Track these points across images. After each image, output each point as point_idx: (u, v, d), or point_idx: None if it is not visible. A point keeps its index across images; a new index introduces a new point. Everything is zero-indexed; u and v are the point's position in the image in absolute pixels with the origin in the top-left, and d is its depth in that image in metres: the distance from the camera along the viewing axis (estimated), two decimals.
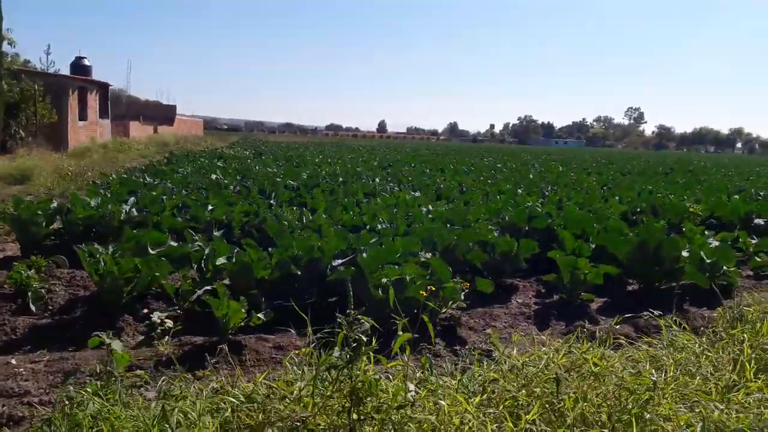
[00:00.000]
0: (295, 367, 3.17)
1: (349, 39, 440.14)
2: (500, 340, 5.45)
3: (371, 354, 2.94)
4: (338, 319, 2.80)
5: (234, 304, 4.62)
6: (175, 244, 6.07)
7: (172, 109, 63.67)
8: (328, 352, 2.71)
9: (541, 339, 4.02)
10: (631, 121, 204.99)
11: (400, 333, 2.95)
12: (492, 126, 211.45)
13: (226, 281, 5.59)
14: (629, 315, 6.12)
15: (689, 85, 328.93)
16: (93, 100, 29.24)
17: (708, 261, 7.29)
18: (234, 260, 5.43)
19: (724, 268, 7.42)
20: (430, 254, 6.89)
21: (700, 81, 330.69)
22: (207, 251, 5.82)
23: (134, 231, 5.92)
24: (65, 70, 30.88)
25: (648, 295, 6.95)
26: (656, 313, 6.01)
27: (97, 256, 5.09)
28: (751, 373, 3.53)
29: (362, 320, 2.65)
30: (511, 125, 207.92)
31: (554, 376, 2.76)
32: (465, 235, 6.93)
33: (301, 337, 5.17)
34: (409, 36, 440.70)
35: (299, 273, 5.58)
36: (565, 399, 2.57)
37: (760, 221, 10.78)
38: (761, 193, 14.26)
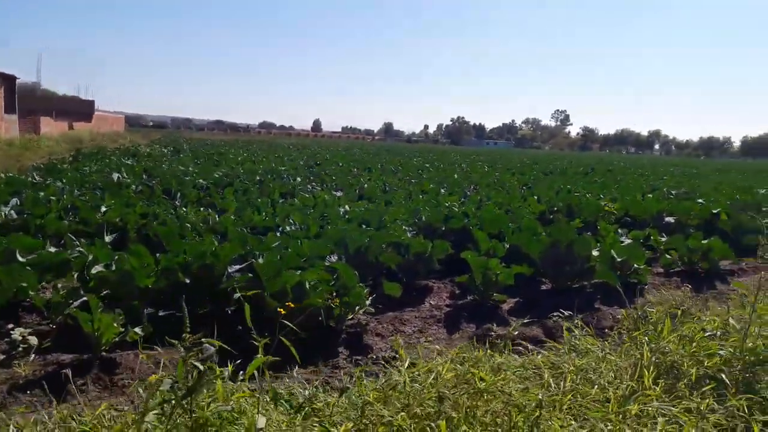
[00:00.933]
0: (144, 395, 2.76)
1: (283, 34, 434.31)
2: (408, 346, 5.21)
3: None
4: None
5: (106, 317, 4.15)
6: (53, 250, 5.49)
7: (89, 104, 60.94)
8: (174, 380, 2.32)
9: (436, 348, 3.76)
10: (558, 123, 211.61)
11: (258, 356, 2.58)
12: (426, 127, 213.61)
13: (108, 291, 5.08)
14: (539, 317, 6.02)
15: (612, 87, 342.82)
16: None
17: (618, 260, 7.29)
18: (114, 268, 4.93)
19: (635, 266, 7.46)
20: (342, 257, 6.59)
21: (622, 84, 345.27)
22: (90, 258, 5.29)
23: (1, 236, 5.29)
24: None
25: (560, 294, 6.87)
26: (566, 313, 5.93)
27: None
28: (650, 380, 3.38)
29: (205, 344, 2.28)
30: (444, 126, 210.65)
31: (437, 394, 2.49)
32: (378, 236, 6.65)
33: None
34: (343, 34, 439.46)
35: (187, 281, 5.12)
36: (441, 423, 2.29)
37: (670, 219, 11.04)
38: (673, 192, 14.70)
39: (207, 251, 5.40)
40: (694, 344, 3.85)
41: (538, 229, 7.72)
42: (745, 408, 2.95)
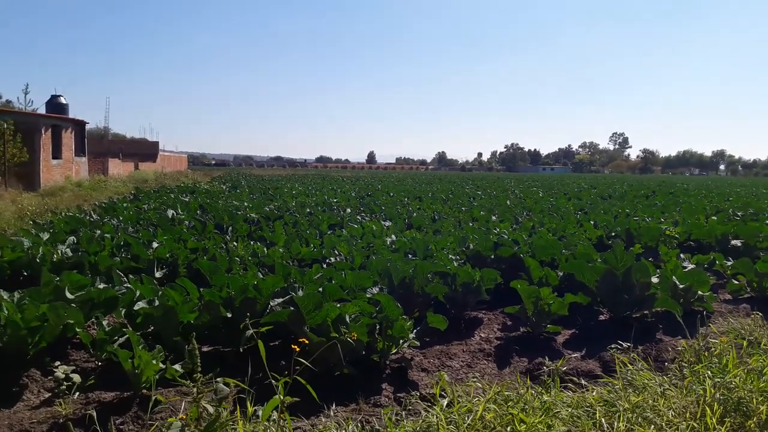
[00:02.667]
0: None
1: (338, 69, 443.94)
2: (456, 382, 5.00)
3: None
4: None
5: (145, 354, 4.13)
6: (102, 286, 5.56)
7: (154, 145, 63.46)
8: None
9: (477, 385, 3.55)
10: (616, 146, 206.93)
11: (278, 396, 2.45)
12: (480, 154, 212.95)
13: (152, 327, 5.10)
14: (595, 349, 5.69)
15: (672, 108, 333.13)
16: (68, 138, 28.75)
17: (681, 286, 6.88)
18: (157, 303, 4.94)
19: (699, 293, 7.02)
20: (386, 288, 6.45)
21: (682, 105, 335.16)
22: (138, 294, 5.34)
23: (51, 274, 5.40)
24: (43, 110, 30.56)
25: (619, 325, 6.50)
26: (624, 345, 5.60)
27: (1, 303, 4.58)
28: (715, 419, 3.08)
29: (219, 385, 2.18)
30: (498, 153, 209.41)
31: None
32: (422, 266, 6.48)
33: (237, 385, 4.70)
34: (397, 65, 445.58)
35: (229, 315, 5.08)
36: None
37: (737, 242, 10.41)
38: (739, 214, 13.92)
39: (249, 285, 5.35)
40: (764, 378, 3.51)
41: (594, 256, 7.38)
42: None
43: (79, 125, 31.55)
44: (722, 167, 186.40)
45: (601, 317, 6.99)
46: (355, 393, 4.58)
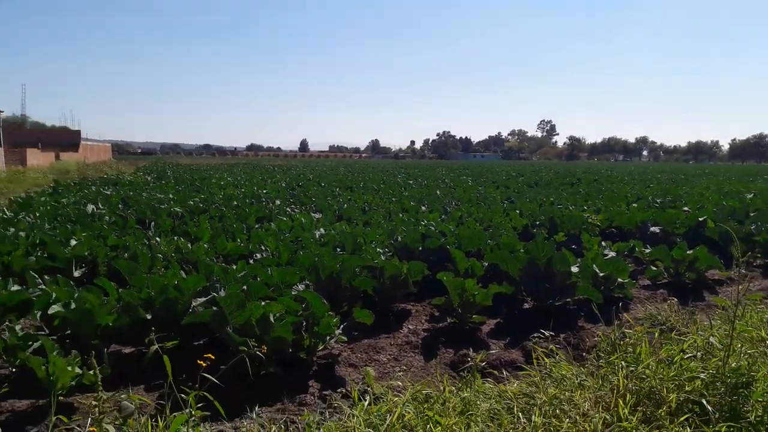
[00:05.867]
0: None
1: (267, 55, 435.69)
2: (383, 377, 5.01)
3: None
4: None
5: (59, 361, 3.92)
6: (15, 288, 5.26)
7: (76, 134, 60.81)
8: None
9: (396, 384, 3.55)
10: (544, 134, 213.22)
11: (185, 411, 2.37)
12: (413, 142, 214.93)
13: (69, 331, 4.86)
14: (519, 338, 5.83)
15: (598, 96, 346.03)
16: None
17: (601, 274, 7.14)
18: (73, 306, 4.70)
19: (619, 280, 7.30)
20: (314, 284, 6.39)
21: (607, 92, 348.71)
22: (54, 296, 5.06)
23: None
24: None
25: (541, 313, 6.68)
26: (546, 334, 5.76)
27: None
28: (629, 408, 3.20)
29: (124, 402, 2.08)
30: (431, 141, 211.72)
31: None
32: (350, 260, 6.45)
33: (150, 393, 4.54)
34: (328, 53, 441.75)
35: (148, 317, 4.90)
36: None
37: (655, 229, 10.90)
38: (658, 201, 14.58)
39: (169, 285, 5.19)
40: (674, 366, 3.67)
41: (517, 246, 7.55)
42: None
43: None
44: (645, 153, 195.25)
45: (526, 306, 7.17)
46: (281, 392, 4.52)
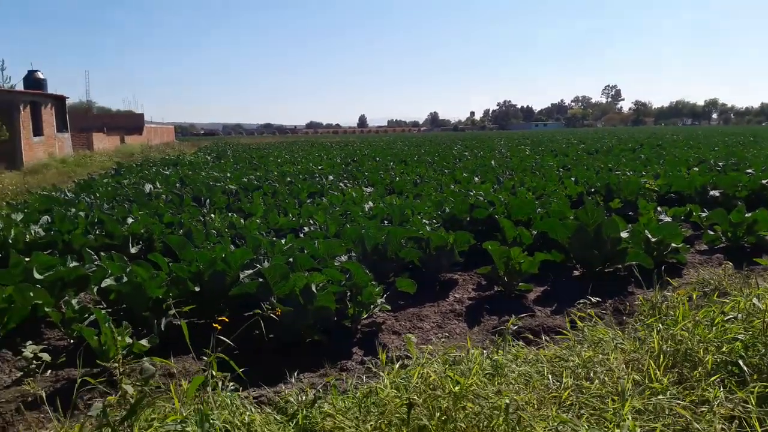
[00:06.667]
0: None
1: (327, 34, 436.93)
2: (425, 343, 5.08)
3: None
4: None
5: (110, 331, 4.16)
6: (72, 265, 5.58)
7: (139, 117, 62.70)
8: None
9: (432, 349, 3.60)
10: (609, 99, 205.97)
11: (206, 374, 2.48)
12: (472, 114, 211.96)
13: (123, 304, 5.14)
14: (566, 305, 5.76)
15: (664, 59, 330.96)
16: (48, 114, 28.37)
17: (653, 240, 6.94)
18: (125, 280, 4.96)
19: (672, 245, 7.08)
20: (360, 256, 6.49)
21: (675, 55, 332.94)
22: (109, 272, 5.36)
23: (19, 255, 5.40)
24: (21, 87, 30.05)
25: (592, 280, 6.56)
26: (593, 300, 5.69)
27: None
28: (662, 370, 3.15)
29: (145, 365, 2.20)
30: (491, 111, 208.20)
31: (407, 401, 2.35)
32: (395, 232, 6.51)
33: (200, 360, 4.76)
34: (385, 27, 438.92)
35: (197, 289, 5.12)
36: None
37: (715, 193, 10.46)
38: (720, 164, 13.94)
39: (217, 258, 5.38)
40: (715, 328, 3.57)
41: (567, 213, 7.42)
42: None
43: (59, 100, 31.08)
44: (715, 116, 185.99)
45: (576, 273, 7.07)
46: (326, 359, 4.67)
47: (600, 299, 5.72)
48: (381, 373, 3.25)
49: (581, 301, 5.65)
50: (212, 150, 38.79)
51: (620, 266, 6.91)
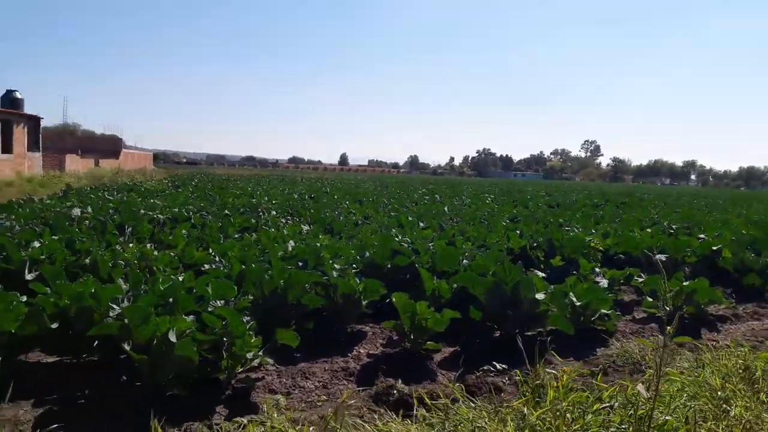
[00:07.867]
0: None
1: (313, 70, 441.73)
2: (307, 406, 4.59)
3: None
4: None
5: None
6: None
7: (117, 142, 62.13)
8: None
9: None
10: (588, 154, 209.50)
11: None
12: (452, 159, 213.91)
13: None
14: (472, 368, 5.27)
15: (645, 117, 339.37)
16: (20, 133, 28.21)
17: (578, 304, 6.54)
18: None
19: (601, 311, 6.69)
20: (258, 298, 5.99)
21: (654, 114, 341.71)
22: None
23: None
24: None
25: (509, 343, 6.11)
26: (499, 367, 5.27)
27: None
28: None
29: None
30: (470, 158, 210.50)
31: None
32: (297, 276, 6.02)
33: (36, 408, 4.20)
34: (371, 66, 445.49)
35: (53, 326, 4.61)
36: None
37: (662, 257, 10.14)
38: (674, 227, 13.72)
39: (85, 293, 4.87)
40: (589, 416, 3.13)
41: (490, 268, 6.99)
42: None
43: (33, 120, 30.91)
44: (694, 177, 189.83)
45: (495, 335, 6.61)
46: (189, 415, 4.16)
47: (506, 366, 5.29)
48: None
49: (484, 367, 5.23)
50: (180, 179, 38.17)
51: (542, 330, 6.47)
